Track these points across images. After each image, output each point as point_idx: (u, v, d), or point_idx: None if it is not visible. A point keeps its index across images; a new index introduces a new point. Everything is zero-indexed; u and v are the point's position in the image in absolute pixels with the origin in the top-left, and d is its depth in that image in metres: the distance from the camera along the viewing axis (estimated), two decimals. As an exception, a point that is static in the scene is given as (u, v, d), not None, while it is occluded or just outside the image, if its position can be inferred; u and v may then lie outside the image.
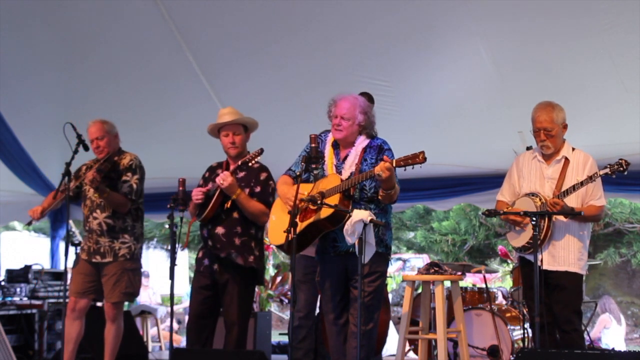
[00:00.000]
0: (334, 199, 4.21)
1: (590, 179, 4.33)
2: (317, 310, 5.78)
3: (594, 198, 4.50)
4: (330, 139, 4.51)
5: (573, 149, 4.62)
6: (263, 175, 4.98)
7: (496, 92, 6.51)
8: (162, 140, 7.65)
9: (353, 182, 4.20)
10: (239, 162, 4.82)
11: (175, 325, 11.48)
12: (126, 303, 6.27)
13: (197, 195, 4.89)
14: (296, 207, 4.16)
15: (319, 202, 4.18)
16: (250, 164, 4.82)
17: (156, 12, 6.47)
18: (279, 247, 4.49)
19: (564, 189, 4.45)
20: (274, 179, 4.98)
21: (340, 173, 4.36)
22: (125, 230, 5.30)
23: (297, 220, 4.21)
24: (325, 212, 4.18)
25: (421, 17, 6.13)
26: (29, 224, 5.59)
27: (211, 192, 4.86)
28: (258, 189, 4.92)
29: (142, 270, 5.52)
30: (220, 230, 4.88)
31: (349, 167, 4.37)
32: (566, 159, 4.58)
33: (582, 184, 4.33)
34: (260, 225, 4.99)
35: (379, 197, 4.25)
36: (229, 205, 4.83)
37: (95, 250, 5.28)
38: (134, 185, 5.31)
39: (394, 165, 4.02)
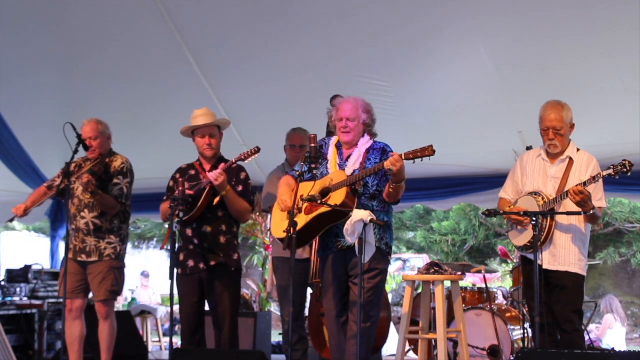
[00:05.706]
0: (341, 193, 4.22)
1: (594, 179, 4.32)
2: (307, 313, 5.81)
3: (595, 199, 4.48)
4: (333, 141, 4.55)
5: (578, 150, 4.61)
6: (243, 175, 5.05)
7: (496, 92, 6.50)
8: (162, 140, 7.64)
9: (361, 175, 4.25)
10: (234, 160, 4.84)
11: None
12: (126, 303, 6.27)
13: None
14: (294, 207, 4.18)
15: (319, 201, 4.19)
16: (246, 162, 4.84)
17: (156, 12, 6.47)
18: (281, 240, 4.48)
19: (566, 189, 4.43)
20: (268, 179, 4.97)
21: (343, 170, 4.38)
22: (112, 232, 5.32)
23: (303, 214, 4.26)
24: (335, 201, 4.20)
25: (421, 17, 6.12)
26: (11, 220, 5.59)
27: (196, 193, 4.84)
28: (241, 188, 4.98)
29: (142, 270, 5.52)
30: (206, 228, 4.91)
31: (352, 164, 4.39)
32: (570, 159, 4.57)
33: (585, 184, 4.31)
34: (243, 223, 5.14)
35: (385, 195, 4.29)
36: (217, 202, 4.84)
37: (81, 249, 5.28)
38: (125, 189, 5.33)
39: (404, 158, 4.06)
